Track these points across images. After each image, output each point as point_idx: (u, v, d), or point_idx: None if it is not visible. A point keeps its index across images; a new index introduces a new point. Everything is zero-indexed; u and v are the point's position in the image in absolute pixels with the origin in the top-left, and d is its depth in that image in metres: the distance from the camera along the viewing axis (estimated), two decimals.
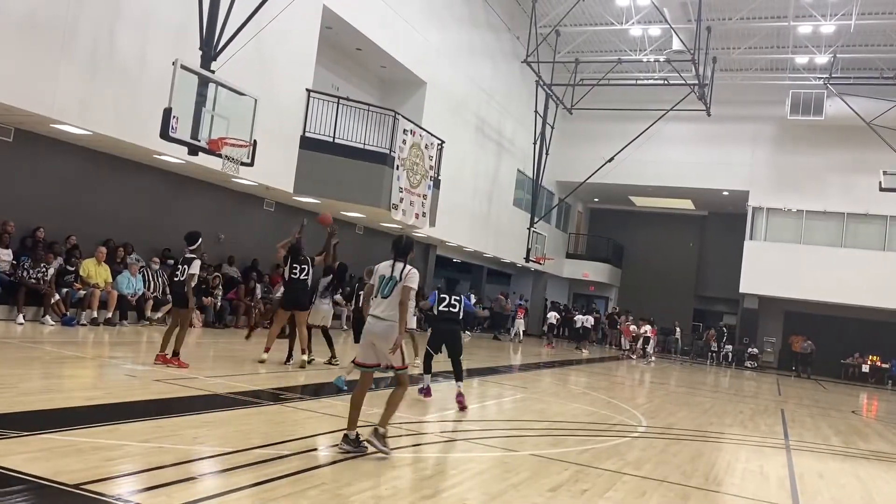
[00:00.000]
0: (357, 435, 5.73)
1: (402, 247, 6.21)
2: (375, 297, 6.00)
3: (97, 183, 13.98)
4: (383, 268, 6.14)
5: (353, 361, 6.44)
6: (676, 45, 25.39)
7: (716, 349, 30.85)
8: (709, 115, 27.36)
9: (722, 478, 6.88)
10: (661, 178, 31.94)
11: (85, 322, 12.81)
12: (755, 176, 30.86)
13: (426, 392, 9.34)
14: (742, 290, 30.51)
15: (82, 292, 12.93)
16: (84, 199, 13.81)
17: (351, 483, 4.89)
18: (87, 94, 11.60)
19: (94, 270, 13.31)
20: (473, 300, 30.46)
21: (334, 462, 5.46)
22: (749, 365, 29.84)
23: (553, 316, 29.34)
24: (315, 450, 5.88)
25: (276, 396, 7.96)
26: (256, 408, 7.25)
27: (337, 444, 5.78)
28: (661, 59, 27.41)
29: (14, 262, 12.19)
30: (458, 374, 9.15)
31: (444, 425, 7.86)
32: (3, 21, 10.29)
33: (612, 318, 33.72)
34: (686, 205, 36.40)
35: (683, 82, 25.96)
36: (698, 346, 32.28)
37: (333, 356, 11.64)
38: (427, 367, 9.51)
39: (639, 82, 29.99)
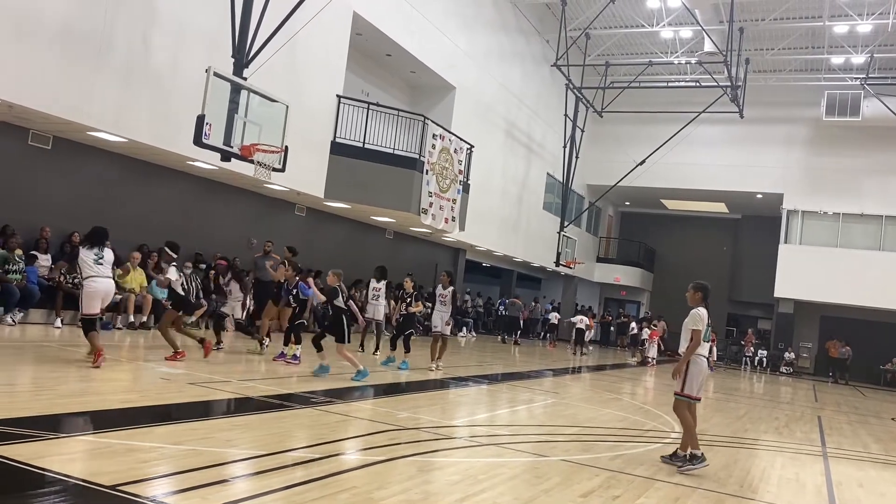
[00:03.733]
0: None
1: None
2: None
3: (132, 189, 14.22)
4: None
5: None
6: (708, 46, 25.12)
7: (751, 354, 30.35)
8: (741, 116, 27.01)
9: (757, 485, 6.77)
10: (693, 180, 31.59)
11: (121, 326, 13.03)
12: (789, 178, 30.37)
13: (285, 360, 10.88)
14: (777, 294, 30.01)
15: (118, 297, 13.15)
16: (119, 204, 14.05)
17: (382, 487, 4.90)
18: (123, 101, 11.82)
19: (129, 275, 13.52)
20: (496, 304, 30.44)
21: (365, 466, 5.48)
22: (784, 370, 29.34)
23: (554, 316, 29.44)
24: (346, 453, 5.91)
25: (307, 400, 8.01)
26: (288, 411, 7.31)
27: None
28: (693, 61, 27.15)
29: (52, 266, 12.45)
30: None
31: (475, 430, 7.84)
32: (42, 32, 10.53)
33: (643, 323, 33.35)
34: (719, 208, 35.95)
35: (715, 84, 25.67)
36: (732, 352, 31.81)
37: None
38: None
39: (670, 85, 29.73)
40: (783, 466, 8.08)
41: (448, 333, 12.99)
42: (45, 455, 4.48)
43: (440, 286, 13.14)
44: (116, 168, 13.82)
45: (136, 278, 13.66)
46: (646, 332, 25.13)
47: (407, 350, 12.43)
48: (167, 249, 10.17)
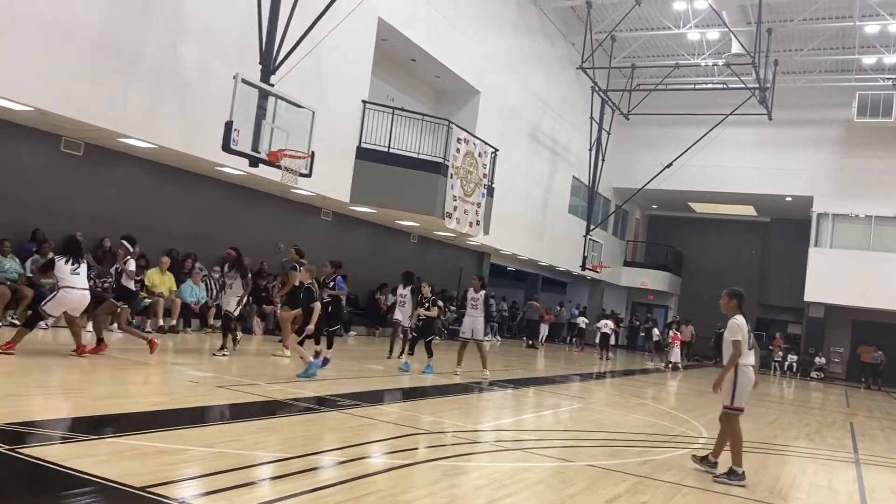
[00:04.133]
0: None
1: None
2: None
3: (161, 194, 14.42)
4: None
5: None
6: (736, 48, 24.88)
7: (780, 359, 29.91)
8: (770, 118, 26.68)
9: (787, 492, 6.67)
10: (721, 183, 31.25)
11: (150, 329, 13.20)
12: (820, 181, 29.91)
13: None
14: (807, 298, 29.56)
15: (148, 301, 13.34)
16: (149, 210, 14.26)
17: (407, 491, 4.92)
18: (152, 108, 12.00)
19: (159, 279, 13.71)
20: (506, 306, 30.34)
21: (390, 469, 5.50)
22: (815, 376, 28.87)
23: (581, 321, 29.43)
24: (371, 457, 5.93)
25: (333, 403, 8.05)
26: (314, 414, 7.35)
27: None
28: (720, 62, 26.91)
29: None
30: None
31: (500, 434, 7.83)
32: (74, 42, 10.74)
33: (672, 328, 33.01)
34: (747, 211, 35.53)
35: (743, 86, 25.39)
36: (761, 356, 31.36)
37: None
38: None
39: (697, 87, 29.46)
40: (815, 473, 7.95)
41: (482, 339, 12.75)
42: (76, 456, 4.56)
43: (471, 290, 13.01)
44: (146, 174, 14.03)
45: (166, 282, 13.83)
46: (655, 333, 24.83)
47: (430, 354, 12.37)
48: (126, 243, 9.93)
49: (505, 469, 6.06)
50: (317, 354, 11.08)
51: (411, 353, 12.60)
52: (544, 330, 27.88)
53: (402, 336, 14.32)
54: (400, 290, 14.21)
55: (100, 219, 13.37)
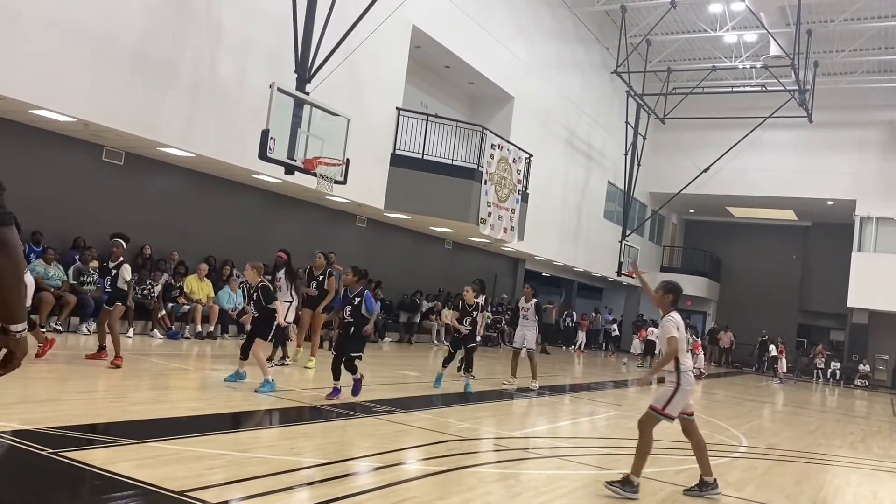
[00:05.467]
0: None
1: None
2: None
3: (200, 202, 14.65)
4: None
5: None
6: (774, 50, 24.48)
7: (822, 366, 29.26)
8: (810, 121, 26.19)
9: (830, 502, 6.51)
10: (761, 187, 30.73)
11: (189, 335, 13.41)
12: (862, 184, 29.22)
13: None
14: (850, 304, 28.87)
15: (186, 307, 13.55)
16: (188, 217, 14.50)
17: (442, 497, 4.91)
18: (191, 118, 12.21)
19: (197, 286, 13.92)
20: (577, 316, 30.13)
21: (425, 476, 5.49)
22: (859, 383, 28.17)
23: (614, 327, 29.15)
24: (407, 463, 5.93)
25: (368, 409, 8.08)
26: (350, 420, 7.38)
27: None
28: (759, 65, 26.51)
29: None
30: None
31: (536, 441, 7.78)
32: (115, 54, 10.98)
33: (712, 335, 32.53)
34: (787, 215, 34.88)
35: (782, 88, 24.96)
36: (803, 364, 30.74)
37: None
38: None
39: (735, 90, 29.03)
40: (859, 484, 7.76)
41: (533, 348, 12.32)
42: (117, 460, 4.64)
43: (522, 299, 12.71)
44: (185, 182, 14.27)
45: (203, 289, 14.03)
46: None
47: (469, 367, 11.14)
48: (120, 241, 9.35)
49: (541, 476, 6.02)
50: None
51: (469, 368, 11.12)
52: (582, 337, 27.69)
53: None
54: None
55: (140, 226, 13.59)
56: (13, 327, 2.09)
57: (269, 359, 10.53)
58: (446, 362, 10.85)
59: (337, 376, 8.33)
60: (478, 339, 12.06)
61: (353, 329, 8.34)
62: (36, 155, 11.88)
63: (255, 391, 8.07)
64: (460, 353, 11.19)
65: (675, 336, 5.77)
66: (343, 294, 8.13)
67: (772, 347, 28.76)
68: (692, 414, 5.97)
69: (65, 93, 10.49)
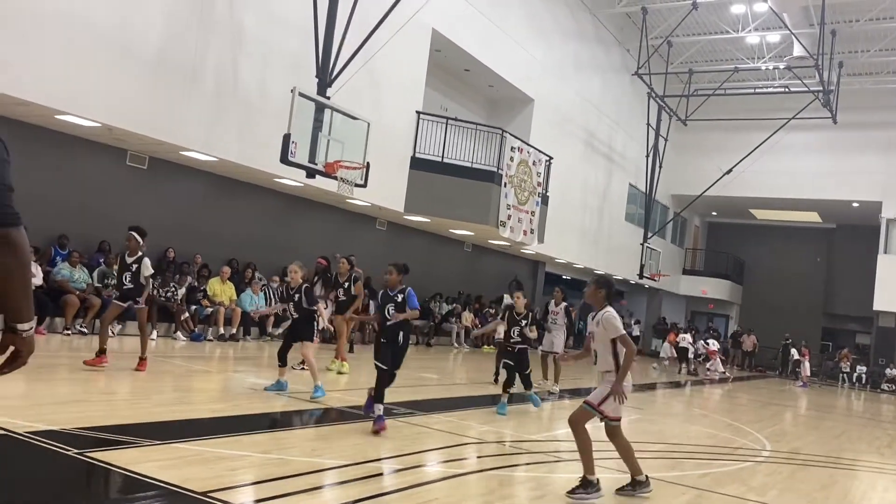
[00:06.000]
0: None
1: None
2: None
3: (222, 206, 14.78)
4: None
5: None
6: (798, 50, 24.24)
7: (847, 370, 28.83)
8: (835, 122, 25.89)
9: None
10: (784, 189, 30.40)
11: (211, 338, 13.52)
12: (889, 185, 28.77)
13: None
14: (876, 307, 28.43)
15: (209, 310, 13.67)
16: (210, 221, 14.63)
17: (463, 500, 4.91)
18: (213, 122, 12.33)
19: (220, 289, 14.04)
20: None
21: (446, 478, 5.49)
22: (886, 388, 27.73)
23: (637, 329, 28.95)
24: (427, 465, 5.94)
25: (388, 411, 8.07)
26: (370, 422, 7.38)
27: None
28: (782, 66, 26.25)
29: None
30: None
31: (557, 445, 7.74)
32: (138, 59, 11.12)
33: (735, 338, 32.21)
34: (811, 217, 34.48)
35: (806, 89, 24.71)
36: (828, 367, 30.32)
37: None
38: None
39: (757, 91, 28.76)
40: (885, 489, 7.64)
41: (559, 352, 11.95)
42: (141, 461, 4.69)
43: (552, 303, 12.52)
44: (207, 186, 14.41)
45: (226, 292, 14.14)
46: (713, 345, 23.97)
47: (528, 386, 9.65)
48: (136, 235, 8.72)
49: (562, 480, 5.99)
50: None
51: (509, 387, 9.29)
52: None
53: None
54: (506, 301, 12.18)
55: (163, 230, 13.74)
56: (21, 326, 2.13)
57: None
58: (508, 385, 9.24)
59: (381, 398, 6.86)
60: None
61: (400, 334, 7.05)
62: (62, 159, 12.06)
63: (311, 398, 7.88)
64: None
65: (625, 333, 5.43)
66: (383, 293, 7.17)
67: (794, 351, 28.38)
68: (619, 420, 5.52)
69: (89, 98, 10.64)
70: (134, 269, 8.62)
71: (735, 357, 31.37)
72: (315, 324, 8.54)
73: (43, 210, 11.55)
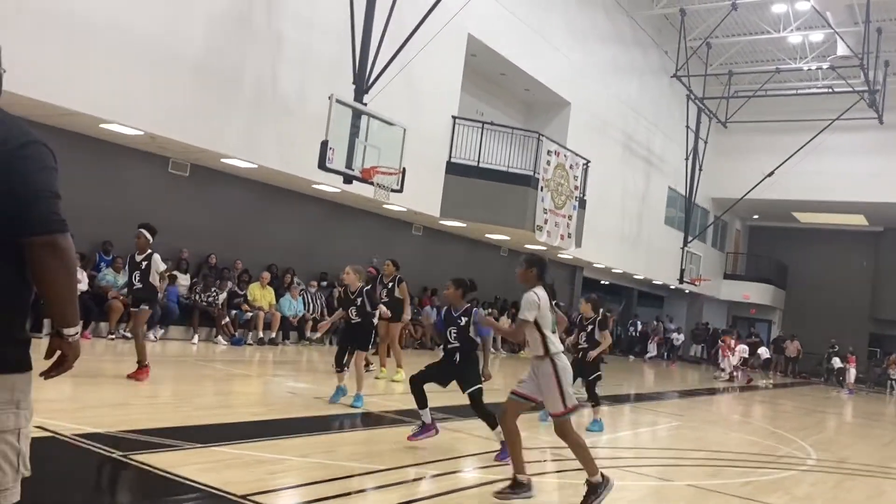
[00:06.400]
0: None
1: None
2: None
3: (261, 212, 14.97)
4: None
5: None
6: (842, 50, 23.69)
7: None
8: (881, 122, 25.27)
9: None
10: (828, 192, 29.68)
11: (251, 342, 13.68)
12: None
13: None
14: None
15: (249, 314, 13.85)
16: (250, 227, 14.83)
17: None
18: (252, 129, 12.50)
19: (259, 294, 14.19)
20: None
21: (482, 484, 5.47)
22: None
23: (676, 336, 28.58)
24: (463, 471, 5.93)
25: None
26: (408, 427, 7.39)
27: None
28: (825, 66, 25.69)
29: (190, 286, 13.28)
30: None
31: (595, 451, 7.64)
32: (179, 68, 11.33)
33: (777, 343, 31.56)
34: (857, 220, 33.63)
35: (851, 89, 24.15)
36: (875, 374, 29.53)
37: None
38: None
39: (800, 92, 28.20)
40: None
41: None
42: (182, 464, 4.77)
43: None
44: (247, 193, 14.61)
45: (266, 297, 14.30)
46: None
47: (596, 402, 8.91)
48: (145, 232, 8.35)
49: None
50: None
51: (594, 402, 8.94)
52: (653, 349, 27.02)
53: None
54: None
55: (205, 236, 14.00)
56: (66, 331, 2.17)
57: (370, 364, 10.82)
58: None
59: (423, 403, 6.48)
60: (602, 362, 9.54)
61: (458, 356, 6.42)
62: (106, 167, 12.34)
63: (351, 405, 7.79)
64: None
65: (528, 319, 4.96)
66: (446, 312, 6.57)
67: (835, 360, 27.61)
68: (533, 400, 5.15)
69: (132, 107, 10.87)
70: (143, 268, 8.12)
71: (777, 363, 30.73)
72: (374, 331, 8.26)
73: (88, 217, 11.82)
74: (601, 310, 9.01)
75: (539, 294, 5.01)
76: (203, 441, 5.50)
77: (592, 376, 8.79)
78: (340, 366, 8.03)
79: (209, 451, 5.29)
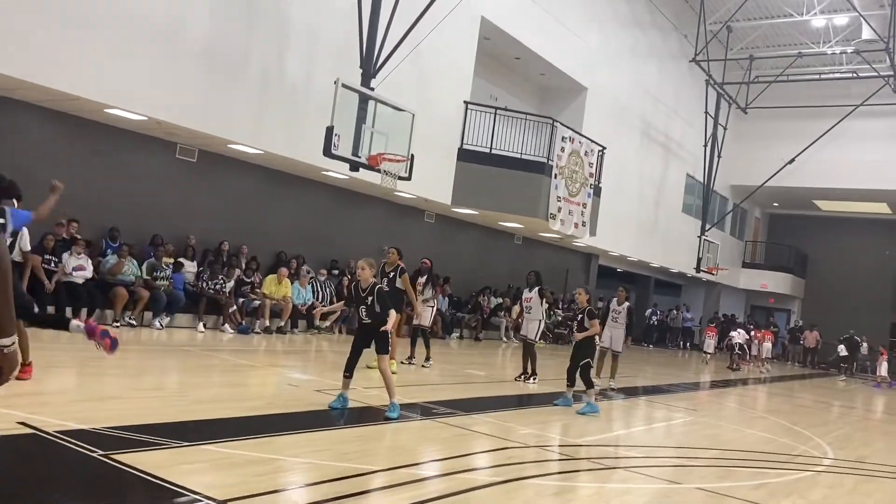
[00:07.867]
0: None
1: None
2: None
3: (270, 198, 14.79)
4: None
5: None
6: (867, 33, 23.07)
7: None
8: None
9: None
10: (850, 179, 29.07)
11: (259, 330, 13.53)
12: None
13: None
14: None
15: (256, 302, 13.68)
16: (258, 213, 14.66)
17: None
18: (259, 115, 12.30)
19: (275, 289, 13.92)
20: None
21: (489, 485, 5.25)
22: None
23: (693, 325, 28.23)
24: (466, 471, 5.70)
25: (429, 411, 7.89)
26: (409, 423, 7.20)
27: None
28: (849, 50, 25.07)
29: (197, 273, 13.14)
30: None
31: (604, 450, 7.42)
32: (185, 54, 11.14)
33: (793, 333, 31.10)
34: (880, 209, 32.93)
35: (876, 74, 23.54)
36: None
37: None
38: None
39: (823, 77, 27.57)
40: None
41: (620, 350, 12.34)
42: (166, 465, 4.57)
43: (614, 302, 12.53)
44: (255, 179, 14.43)
45: (281, 291, 14.04)
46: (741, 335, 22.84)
47: (590, 385, 9.37)
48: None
49: (605, 490, 5.69)
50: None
51: (570, 383, 9.54)
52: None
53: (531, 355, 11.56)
54: (525, 294, 11.86)
55: (212, 222, 13.84)
56: (1, 341, 1.96)
57: (428, 357, 11.60)
58: (570, 379, 9.53)
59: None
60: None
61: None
62: (112, 153, 12.20)
63: (386, 417, 7.07)
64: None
65: None
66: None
67: (841, 347, 26.98)
68: None
69: (137, 92, 10.71)
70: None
71: (794, 354, 30.25)
72: (386, 331, 7.22)
73: (94, 203, 11.72)
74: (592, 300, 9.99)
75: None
76: (193, 438, 5.32)
77: (583, 361, 9.42)
78: (349, 371, 7.28)
79: (198, 449, 5.10)
